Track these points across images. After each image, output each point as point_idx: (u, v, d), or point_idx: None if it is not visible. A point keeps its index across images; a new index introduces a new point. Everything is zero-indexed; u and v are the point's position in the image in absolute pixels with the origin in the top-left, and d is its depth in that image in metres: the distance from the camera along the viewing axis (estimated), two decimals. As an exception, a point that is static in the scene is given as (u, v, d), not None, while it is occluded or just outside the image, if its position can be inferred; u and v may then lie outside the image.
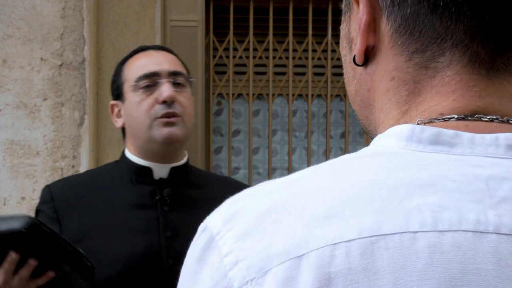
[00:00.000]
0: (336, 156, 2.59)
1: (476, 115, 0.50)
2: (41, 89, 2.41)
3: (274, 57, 2.80)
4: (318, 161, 2.85)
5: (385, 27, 0.54)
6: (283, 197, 0.48)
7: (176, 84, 1.54)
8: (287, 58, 2.80)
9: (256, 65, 2.80)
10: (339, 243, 0.44)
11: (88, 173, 1.66)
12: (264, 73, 2.81)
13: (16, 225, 1.23)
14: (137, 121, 1.52)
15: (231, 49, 2.77)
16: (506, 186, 0.46)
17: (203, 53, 2.64)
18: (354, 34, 0.58)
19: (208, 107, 2.78)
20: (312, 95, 2.83)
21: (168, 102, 1.50)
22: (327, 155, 2.86)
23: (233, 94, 2.79)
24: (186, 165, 1.61)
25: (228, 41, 2.77)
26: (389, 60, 0.54)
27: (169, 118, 1.51)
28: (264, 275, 0.45)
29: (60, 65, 2.42)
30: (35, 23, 2.42)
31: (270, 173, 2.82)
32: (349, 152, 2.83)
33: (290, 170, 2.83)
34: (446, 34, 0.51)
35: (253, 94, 2.80)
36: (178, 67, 1.57)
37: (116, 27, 2.54)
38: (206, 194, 1.59)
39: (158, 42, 2.56)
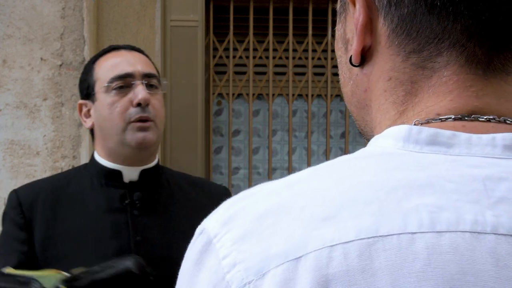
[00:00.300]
0: (336, 156, 2.59)
1: (473, 115, 0.50)
2: (41, 89, 2.41)
3: (274, 57, 2.80)
4: (318, 161, 2.85)
5: (382, 27, 0.54)
6: (281, 199, 0.48)
7: (149, 86, 1.51)
8: (287, 58, 2.80)
9: (256, 65, 2.80)
10: (337, 244, 0.44)
11: (57, 176, 1.61)
12: (264, 73, 2.81)
13: (128, 265, 1.30)
14: (110, 123, 1.49)
15: (231, 49, 2.77)
16: (503, 187, 0.46)
17: (203, 53, 2.64)
18: (350, 35, 0.58)
19: (208, 107, 2.79)
20: (312, 95, 2.83)
21: (142, 105, 1.47)
22: (327, 155, 2.86)
23: (233, 94, 2.79)
24: (156, 167, 1.58)
25: (228, 41, 2.77)
26: (386, 60, 0.54)
27: (144, 122, 1.48)
28: (262, 277, 0.45)
29: (60, 65, 2.42)
30: (35, 23, 2.42)
31: (270, 173, 2.82)
32: (349, 152, 2.83)
33: (290, 170, 2.83)
34: (443, 34, 0.51)
35: (253, 94, 2.80)
36: (151, 69, 1.55)
37: (116, 27, 2.55)
38: (178, 196, 1.56)
39: (158, 42, 2.56)
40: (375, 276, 0.42)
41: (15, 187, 1.56)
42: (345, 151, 2.87)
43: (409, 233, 0.43)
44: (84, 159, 2.40)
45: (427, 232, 0.43)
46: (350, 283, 0.43)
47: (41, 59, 2.42)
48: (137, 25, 2.55)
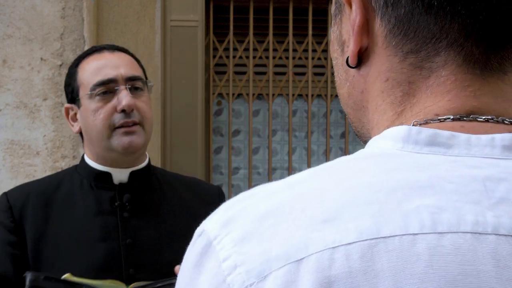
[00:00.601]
0: (336, 156, 2.59)
1: (471, 116, 0.50)
2: (41, 89, 2.41)
3: (274, 57, 2.80)
4: (318, 161, 2.85)
5: (379, 28, 0.54)
6: (281, 200, 0.48)
7: (134, 89, 1.49)
8: (287, 58, 2.81)
9: (256, 65, 2.80)
10: (338, 246, 0.44)
11: (47, 178, 1.59)
12: (264, 73, 2.81)
13: None
14: (95, 129, 1.48)
15: (231, 49, 2.77)
16: (502, 187, 0.46)
17: (203, 53, 2.64)
18: (346, 36, 0.57)
19: (208, 107, 2.79)
20: (312, 95, 2.83)
21: (127, 111, 1.45)
22: (327, 155, 2.86)
23: (233, 94, 2.79)
24: (146, 168, 1.56)
25: (228, 41, 2.77)
26: (383, 61, 0.54)
27: (129, 127, 1.46)
28: (263, 279, 0.44)
29: (60, 65, 2.42)
30: (35, 23, 2.42)
31: (270, 173, 2.82)
32: (349, 152, 2.83)
33: (290, 170, 2.83)
34: (441, 33, 0.51)
35: (253, 94, 2.80)
36: (136, 71, 1.52)
37: (116, 27, 2.55)
38: (170, 197, 1.55)
39: (158, 42, 2.56)
40: (378, 277, 0.42)
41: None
42: (345, 151, 2.87)
43: (411, 234, 0.43)
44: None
45: (429, 233, 0.43)
46: (353, 285, 0.42)
47: (41, 59, 2.42)
48: (137, 25, 2.55)
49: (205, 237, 0.49)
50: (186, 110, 2.60)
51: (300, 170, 0.52)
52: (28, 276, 1.33)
